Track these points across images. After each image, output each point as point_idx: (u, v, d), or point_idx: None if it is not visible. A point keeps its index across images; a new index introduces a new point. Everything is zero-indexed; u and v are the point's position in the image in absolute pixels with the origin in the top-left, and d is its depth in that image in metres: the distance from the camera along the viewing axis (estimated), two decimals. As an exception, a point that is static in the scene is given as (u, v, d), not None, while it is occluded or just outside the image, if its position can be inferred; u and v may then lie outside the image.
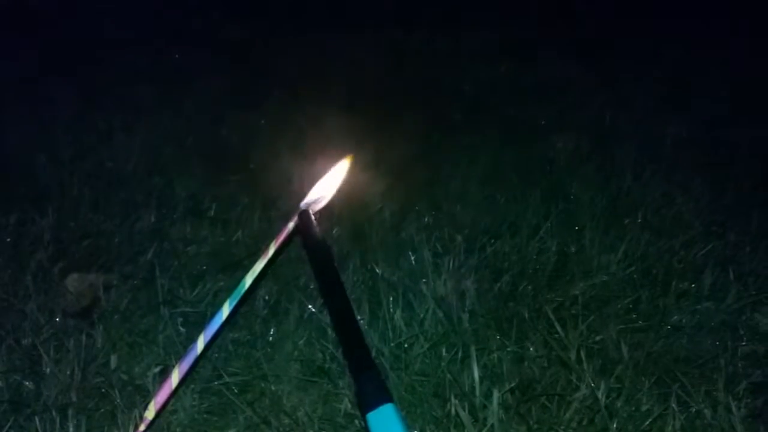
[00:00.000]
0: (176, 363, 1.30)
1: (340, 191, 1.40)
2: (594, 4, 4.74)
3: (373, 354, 1.62)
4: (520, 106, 3.24)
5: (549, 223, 2.15)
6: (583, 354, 1.62)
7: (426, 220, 2.24)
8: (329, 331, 1.74)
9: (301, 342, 1.72)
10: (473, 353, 1.57)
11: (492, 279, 1.93)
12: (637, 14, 4.62)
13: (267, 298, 1.87)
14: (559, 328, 1.71)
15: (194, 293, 1.88)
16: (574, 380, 1.58)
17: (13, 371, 1.61)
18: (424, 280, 1.90)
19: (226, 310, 1.28)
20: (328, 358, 1.67)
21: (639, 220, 2.23)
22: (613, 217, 2.24)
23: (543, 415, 1.52)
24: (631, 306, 1.85)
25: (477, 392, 1.52)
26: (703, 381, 1.60)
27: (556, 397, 1.54)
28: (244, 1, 4.84)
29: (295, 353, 1.70)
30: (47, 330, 1.73)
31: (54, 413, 1.47)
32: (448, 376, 1.57)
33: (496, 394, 1.47)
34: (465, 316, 1.76)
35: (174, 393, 1.37)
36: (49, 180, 2.42)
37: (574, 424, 1.49)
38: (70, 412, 1.48)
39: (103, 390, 1.56)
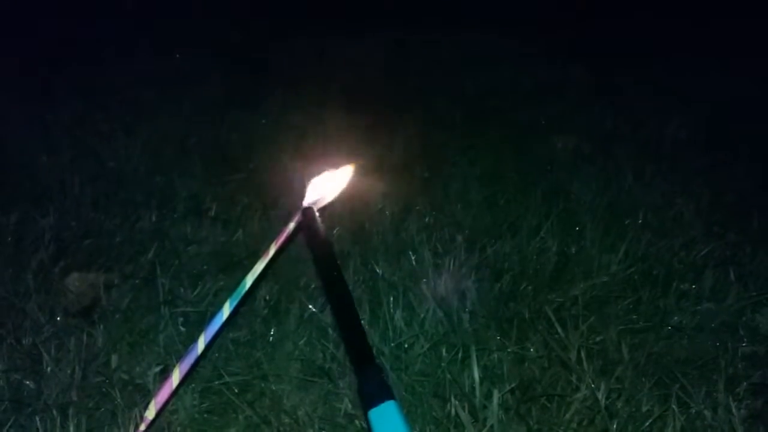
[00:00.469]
0: (177, 362, 1.30)
1: (341, 193, 1.40)
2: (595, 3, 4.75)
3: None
4: (521, 106, 3.24)
5: (549, 223, 2.15)
6: (583, 354, 1.62)
7: (427, 219, 2.24)
8: (329, 330, 1.74)
9: (301, 342, 1.73)
10: (473, 353, 1.57)
11: (492, 279, 1.94)
12: (637, 13, 4.63)
13: (267, 298, 1.87)
14: (559, 329, 1.71)
15: (195, 293, 1.88)
16: (575, 381, 1.58)
17: (13, 370, 1.61)
18: (424, 280, 1.90)
19: (226, 310, 1.28)
20: (328, 357, 1.67)
21: (639, 221, 2.23)
22: (614, 218, 2.24)
23: (543, 416, 1.52)
24: (631, 306, 1.85)
25: (477, 393, 1.52)
26: (704, 382, 1.60)
27: (557, 398, 1.54)
28: (245, 1, 4.85)
29: (296, 353, 1.70)
30: (48, 329, 1.73)
31: (55, 412, 1.47)
32: (448, 376, 1.57)
33: (496, 395, 1.48)
34: (465, 317, 1.76)
35: (175, 393, 1.37)
36: (51, 180, 2.43)
37: (574, 425, 1.49)
38: (70, 411, 1.48)
39: (103, 389, 1.56)
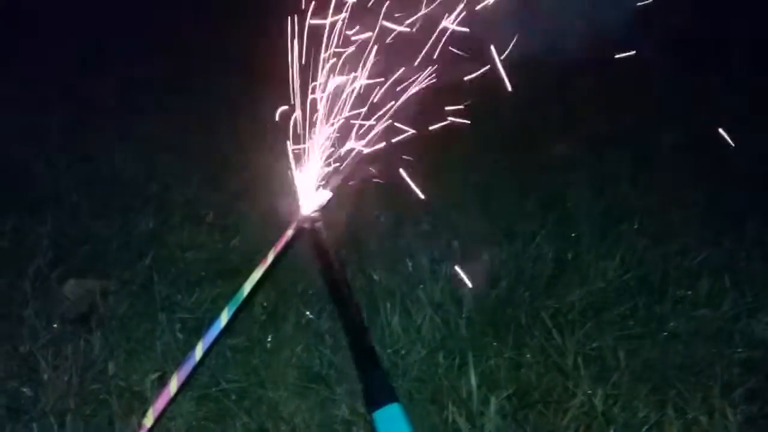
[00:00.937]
0: (174, 369, 1.31)
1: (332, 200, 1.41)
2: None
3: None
4: (517, 113, 3.24)
5: (545, 230, 2.15)
6: (580, 361, 1.63)
7: (423, 226, 2.25)
8: (327, 337, 1.74)
9: (298, 348, 1.72)
10: (470, 360, 1.57)
11: (489, 285, 1.94)
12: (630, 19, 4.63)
13: (265, 304, 1.87)
14: (556, 335, 1.71)
15: (192, 299, 1.88)
16: (571, 387, 1.58)
17: (10, 378, 1.61)
18: (421, 286, 1.90)
19: (224, 318, 1.29)
20: (325, 364, 1.67)
21: (635, 227, 2.24)
22: (610, 224, 2.25)
23: (540, 422, 1.52)
24: (627, 312, 1.85)
25: (474, 399, 1.52)
26: (700, 388, 1.61)
27: (553, 404, 1.54)
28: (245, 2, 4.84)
29: (293, 360, 1.70)
30: (45, 336, 1.73)
31: (52, 420, 1.47)
32: (446, 382, 1.57)
33: (493, 401, 1.48)
34: (462, 323, 1.76)
35: (172, 400, 1.37)
36: (47, 186, 2.43)
37: (571, 431, 1.49)
38: (68, 418, 1.48)
39: (101, 396, 1.56)
